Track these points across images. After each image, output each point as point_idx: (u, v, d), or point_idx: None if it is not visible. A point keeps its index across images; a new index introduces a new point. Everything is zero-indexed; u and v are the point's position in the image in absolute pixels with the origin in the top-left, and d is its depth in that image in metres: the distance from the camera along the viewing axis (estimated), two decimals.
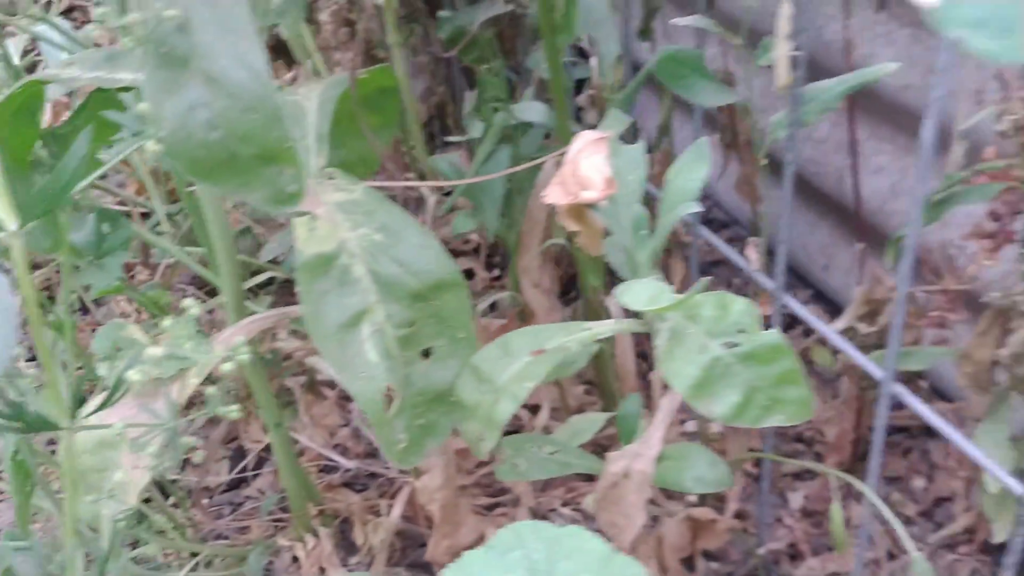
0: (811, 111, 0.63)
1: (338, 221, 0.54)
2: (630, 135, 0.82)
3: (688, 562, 0.91)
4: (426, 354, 0.59)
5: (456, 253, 1.38)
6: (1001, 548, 0.96)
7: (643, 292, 0.49)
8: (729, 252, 0.81)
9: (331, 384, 1.07)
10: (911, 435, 1.14)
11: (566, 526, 0.45)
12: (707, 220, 1.56)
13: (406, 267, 0.54)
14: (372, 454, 1.09)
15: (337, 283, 0.53)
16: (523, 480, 0.77)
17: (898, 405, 1.20)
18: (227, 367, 0.48)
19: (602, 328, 0.59)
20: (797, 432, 1.15)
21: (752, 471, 1.09)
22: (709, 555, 0.94)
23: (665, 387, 0.74)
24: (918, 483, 1.07)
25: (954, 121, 0.84)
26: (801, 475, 1.09)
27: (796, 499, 1.05)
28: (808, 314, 0.72)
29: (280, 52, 1.07)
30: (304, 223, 0.53)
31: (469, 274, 1.33)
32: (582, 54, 1.05)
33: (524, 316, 0.88)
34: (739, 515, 1.00)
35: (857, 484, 0.71)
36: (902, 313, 0.60)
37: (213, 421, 1.15)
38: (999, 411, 0.77)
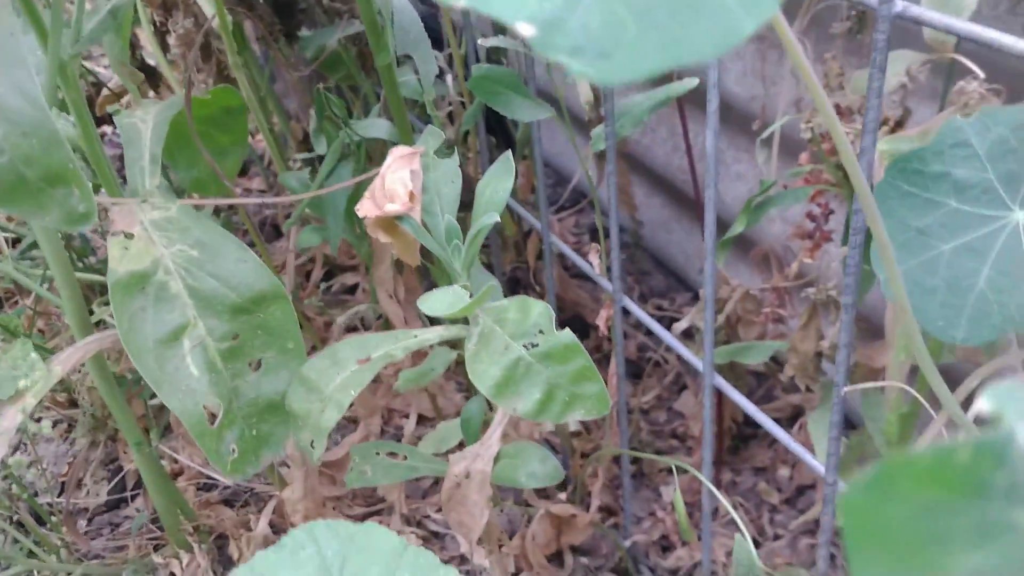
0: (625, 124, 0.67)
1: (154, 239, 0.55)
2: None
3: (558, 558, 0.94)
4: (257, 366, 0.61)
5: (342, 269, 1.39)
6: None
7: (442, 300, 0.52)
8: (577, 258, 0.84)
9: None
10: (778, 425, 1.19)
11: (363, 523, 0.47)
12: (594, 227, 1.61)
13: (224, 281, 0.56)
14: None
15: (154, 300, 0.55)
16: (371, 485, 0.79)
17: (766, 399, 1.26)
18: (28, 410, 0.49)
19: (427, 336, 0.62)
20: (672, 428, 1.19)
21: (630, 468, 1.13)
22: (579, 550, 0.97)
23: None
24: (783, 472, 1.12)
25: (789, 130, 0.89)
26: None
27: (668, 493, 1.09)
28: (641, 312, 0.76)
29: (150, 75, 1.07)
30: (118, 242, 0.54)
31: (353, 289, 1.34)
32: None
33: (388, 326, 0.90)
34: (612, 511, 1.03)
35: (695, 473, 0.75)
36: (711, 311, 0.64)
37: (93, 444, 1.14)
38: (829, 400, 0.82)
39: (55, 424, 1.20)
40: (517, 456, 0.67)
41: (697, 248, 1.41)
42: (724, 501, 0.74)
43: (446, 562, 1.00)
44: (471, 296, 0.54)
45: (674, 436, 1.19)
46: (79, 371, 1.00)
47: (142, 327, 0.54)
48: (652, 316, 1.42)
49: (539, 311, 0.53)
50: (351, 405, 1.15)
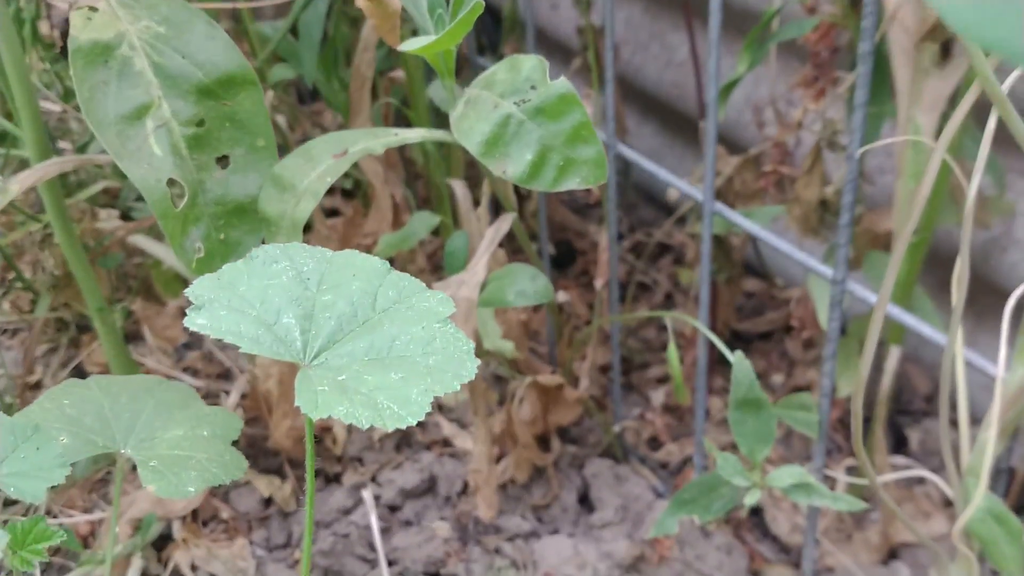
0: None
1: (119, 15, 0.51)
2: None
3: (544, 444, 0.90)
4: (226, 165, 0.57)
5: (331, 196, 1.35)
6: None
7: (418, 40, 0.48)
8: None
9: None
10: (771, 341, 1.16)
11: (342, 251, 0.42)
12: None
13: (191, 58, 0.52)
14: (224, 375, 1.04)
15: (117, 75, 0.50)
16: None
17: (758, 311, 1.22)
18: None
19: (409, 134, 0.58)
20: (662, 341, 1.16)
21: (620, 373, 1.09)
22: (567, 438, 0.93)
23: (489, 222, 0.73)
24: (777, 378, 1.09)
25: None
26: (663, 379, 1.09)
27: (658, 397, 1.05)
28: (633, 153, 0.72)
29: None
30: (81, 13, 0.50)
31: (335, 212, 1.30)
32: None
33: (367, 196, 0.86)
34: (601, 406, 0.99)
35: (691, 320, 0.71)
36: (714, 119, 0.61)
37: (54, 350, 1.09)
38: (832, 259, 0.78)
39: (15, 332, 1.14)
40: (505, 277, 0.63)
41: (687, 174, 1.37)
42: (720, 344, 0.70)
43: (427, 446, 0.95)
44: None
45: (664, 348, 1.15)
46: (40, 259, 0.94)
47: (104, 100, 0.50)
48: (638, 244, 1.39)
49: (531, 66, 0.49)
50: None
